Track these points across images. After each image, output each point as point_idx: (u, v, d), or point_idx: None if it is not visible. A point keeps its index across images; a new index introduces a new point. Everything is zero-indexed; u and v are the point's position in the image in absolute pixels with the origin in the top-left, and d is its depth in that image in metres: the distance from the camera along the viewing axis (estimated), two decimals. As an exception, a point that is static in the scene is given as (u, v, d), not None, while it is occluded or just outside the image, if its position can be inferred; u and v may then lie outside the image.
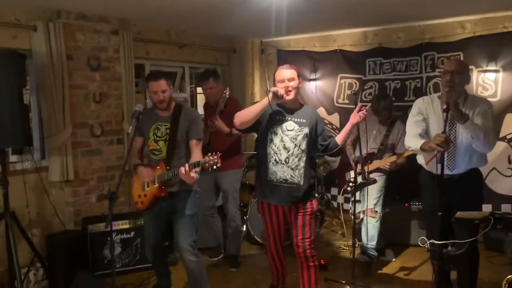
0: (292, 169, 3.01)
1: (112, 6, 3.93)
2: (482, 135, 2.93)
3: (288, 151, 3.01)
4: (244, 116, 2.95)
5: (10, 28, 3.73)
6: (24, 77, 3.47)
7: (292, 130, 3.03)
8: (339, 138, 3.11)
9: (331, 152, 3.16)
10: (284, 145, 3.01)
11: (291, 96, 2.98)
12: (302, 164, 3.02)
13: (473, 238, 2.75)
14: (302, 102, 3.31)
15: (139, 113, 3.09)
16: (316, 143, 3.11)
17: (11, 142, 3.36)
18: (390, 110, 4.32)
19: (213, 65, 5.96)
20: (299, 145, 3.01)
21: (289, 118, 3.05)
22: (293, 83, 2.99)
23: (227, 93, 3.97)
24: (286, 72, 3.00)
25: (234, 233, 4.29)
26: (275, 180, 3.04)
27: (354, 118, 3.03)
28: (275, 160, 3.03)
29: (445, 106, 2.85)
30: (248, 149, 5.90)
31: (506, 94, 4.50)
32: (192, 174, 2.95)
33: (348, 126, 3.07)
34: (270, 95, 2.83)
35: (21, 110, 3.31)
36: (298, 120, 3.05)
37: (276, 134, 3.03)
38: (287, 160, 3.01)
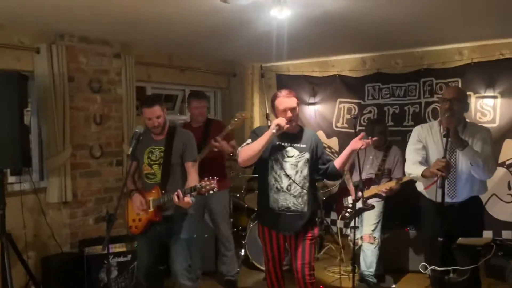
0: (294, 196, 2.94)
1: (115, 30, 3.98)
2: (482, 161, 2.93)
3: (290, 179, 2.94)
4: (249, 154, 2.87)
5: (14, 50, 3.77)
6: (26, 98, 3.50)
7: (292, 156, 2.96)
8: (337, 163, 3.03)
9: (329, 176, 3.14)
10: (285, 172, 2.94)
11: (293, 123, 2.95)
12: (305, 190, 2.95)
13: (475, 265, 2.72)
14: (301, 124, 3.29)
15: (139, 134, 3.08)
16: (317, 167, 3.07)
17: (10, 163, 3.36)
18: (385, 135, 4.33)
19: (214, 89, 6.01)
20: (301, 172, 2.95)
21: (289, 144, 2.98)
22: (295, 112, 2.94)
23: (244, 116, 4.04)
24: (288, 102, 2.92)
25: (232, 256, 4.24)
26: (277, 209, 2.97)
27: (356, 144, 2.92)
28: (277, 188, 2.96)
29: (445, 132, 2.87)
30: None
31: (505, 120, 4.53)
32: (187, 199, 2.93)
33: (347, 151, 2.97)
34: (274, 131, 2.78)
35: (22, 131, 3.32)
36: (298, 145, 2.98)
37: (277, 161, 2.96)
38: (288, 187, 2.94)
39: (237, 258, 4.76)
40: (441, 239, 2.78)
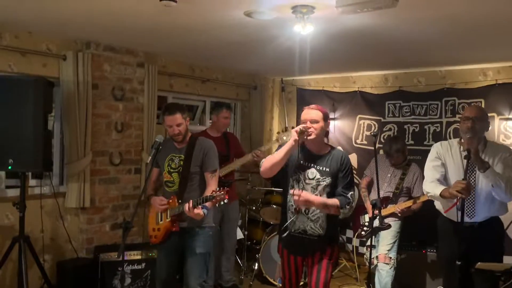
0: (312, 220, 2.78)
1: (140, 40, 4.06)
2: (504, 184, 2.87)
3: None
4: (270, 163, 2.74)
5: (41, 56, 3.87)
6: (51, 104, 3.58)
7: (313, 179, 2.79)
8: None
9: None
10: None
11: (311, 137, 2.73)
12: (323, 216, 2.78)
13: (494, 291, 2.65)
14: (333, 145, 3.08)
15: (159, 144, 3.09)
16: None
17: (32, 167, 3.43)
18: (404, 153, 4.26)
19: (234, 101, 6.05)
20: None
21: (312, 165, 2.81)
22: (316, 125, 2.74)
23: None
24: (310, 113, 2.78)
25: (233, 261, 4.38)
26: (293, 230, 2.81)
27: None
28: (295, 209, 2.78)
29: (466, 153, 2.83)
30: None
31: (529, 143, 4.43)
32: (198, 210, 2.88)
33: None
34: (294, 133, 2.67)
35: (45, 135, 3.40)
36: (321, 168, 2.79)
37: (298, 182, 2.80)
38: (307, 211, 2.78)
39: (251, 272, 4.76)
40: (459, 262, 2.72)
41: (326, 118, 2.82)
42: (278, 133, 4.30)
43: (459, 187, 2.76)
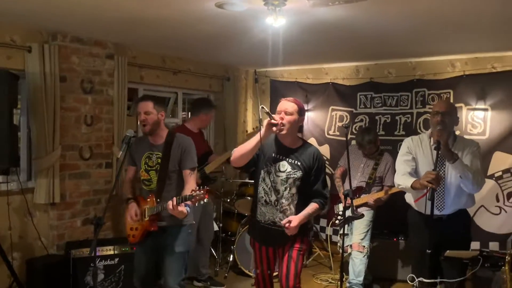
0: (281, 212, 2.81)
1: (108, 31, 3.95)
2: (471, 175, 2.96)
3: (278, 194, 2.82)
4: (240, 153, 2.76)
5: (5, 48, 3.72)
6: (16, 97, 3.47)
7: (284, 171, 2.81)
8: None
9: None
10: (275, 186, 2.81)
11: (283, 132, 2.76)
12: (292, 208, 2.82)
13: (463, 278, 2.74)
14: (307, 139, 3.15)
15: (130, 138, 3.03)
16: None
17: (-3, 163, 3.31)
18: (376, 143, 4.34)
19: (207, 92, 5.99)
20: (289, 189, 2.81)
21: (284, 158, 2.83)
22: (289, 117, 2.76)
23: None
24: (285, 104, 2.80)
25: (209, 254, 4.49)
26: (262, 221, 2.87)
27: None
28: (265, 200, 2.85)
29: (435, 145, 2.89)
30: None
31: (494, 133, 4.57)
32: (181, 208, 2.84)
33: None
34: (265, 123, 2.68)
35: (11, 130, 3.29)
36: (292, 161, 2.82)
37: (269, 174, 2.83)
38: (276, 202, 2.82)
39: (226, 263, 4.78)
40: (429, 251, 2.80)
41: (301, 113, 2.85)
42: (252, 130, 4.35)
43: (429, 177, 2.83)
